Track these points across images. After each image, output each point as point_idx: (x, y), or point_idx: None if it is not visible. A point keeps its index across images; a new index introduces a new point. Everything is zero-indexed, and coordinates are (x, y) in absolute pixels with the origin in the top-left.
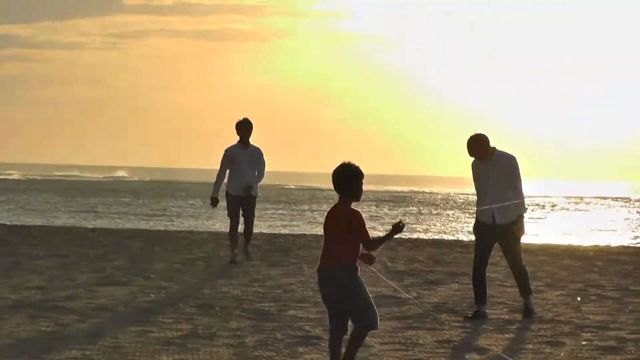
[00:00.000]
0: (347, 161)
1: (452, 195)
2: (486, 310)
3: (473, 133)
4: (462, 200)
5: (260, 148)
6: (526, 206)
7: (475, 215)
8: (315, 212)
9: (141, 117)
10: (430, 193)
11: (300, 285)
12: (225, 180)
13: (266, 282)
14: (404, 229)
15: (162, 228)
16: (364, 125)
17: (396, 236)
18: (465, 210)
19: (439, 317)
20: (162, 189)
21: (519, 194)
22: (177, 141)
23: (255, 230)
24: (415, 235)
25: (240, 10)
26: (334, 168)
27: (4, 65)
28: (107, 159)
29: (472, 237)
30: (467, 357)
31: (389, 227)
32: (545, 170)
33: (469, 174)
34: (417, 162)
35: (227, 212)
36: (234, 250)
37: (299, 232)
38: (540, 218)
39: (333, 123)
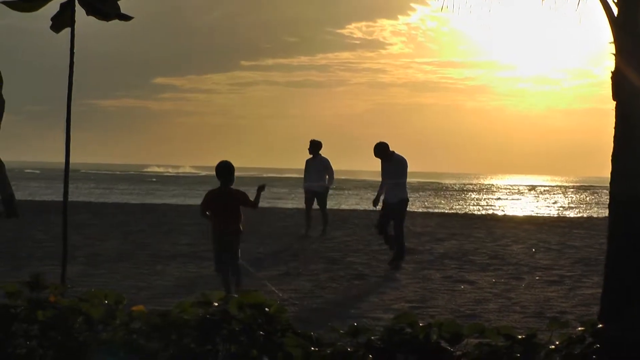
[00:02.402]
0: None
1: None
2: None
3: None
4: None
5: (327, 158)
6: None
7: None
8: (357, 196)
9: (252, 137)
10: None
11: (355, 241)
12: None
13: (334, 240)
14: (265, 189)
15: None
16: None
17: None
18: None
19: (444, 261)
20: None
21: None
22: (279, 151)
23: (331, 208)
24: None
25: (315, 68)
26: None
27: (164, 103)
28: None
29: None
30: (461, 287)
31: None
32: None
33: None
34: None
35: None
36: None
37: (352, 208)
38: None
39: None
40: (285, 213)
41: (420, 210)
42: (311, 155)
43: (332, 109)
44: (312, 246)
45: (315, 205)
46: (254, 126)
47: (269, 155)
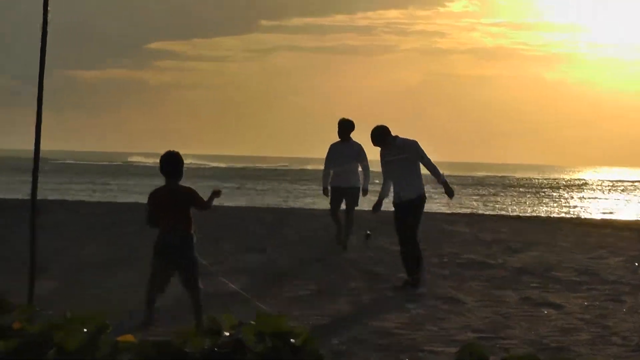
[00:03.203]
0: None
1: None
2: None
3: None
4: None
5: (361, 144)
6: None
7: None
8: None
9: (273, 118)
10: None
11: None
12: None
13: (379, 249)
14: (220, 195)
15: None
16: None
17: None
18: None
19: (521, 278)
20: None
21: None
22: (306, 136)
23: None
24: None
25: (354, 30)
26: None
27: (164, 74)
28: (247, 149)
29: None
30: (544, 312)
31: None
32: None
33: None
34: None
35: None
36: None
37: None
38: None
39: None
40: (315, 214)
41: (489, 212)
42: (339, 140)
43: (374, 83)
44: (350, 256)
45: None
46: (276, 104)
47: (294, 141)
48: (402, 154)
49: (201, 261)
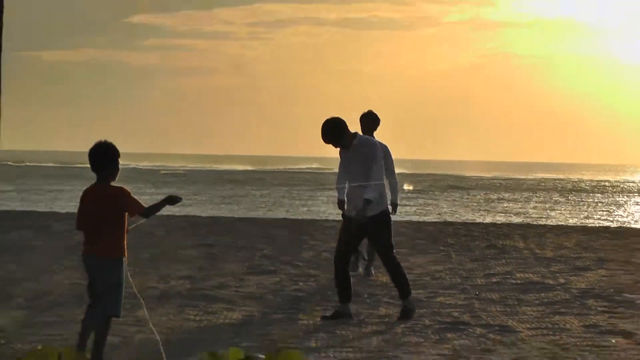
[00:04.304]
0: (103, 140)
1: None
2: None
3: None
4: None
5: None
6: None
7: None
8: (464, 199)
9: (285, 109)
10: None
11: (449, 272)
12: None
13: (414, 270)
14: (178, 203)
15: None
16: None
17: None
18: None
19: (586, 302)
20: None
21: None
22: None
23: (404, 218)
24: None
25: (382, 1)
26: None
27: (146, 55)
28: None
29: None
30: (613, 341)
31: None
32: None
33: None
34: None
35: None
36: None
37: (446, 220)
38: None
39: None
40: (336, 227)
41: (548, 223)
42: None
43: (413, 64)
44: (382, 279)
45: None
46: (289, 92)
47: (312, 137)
48: (363, 156)
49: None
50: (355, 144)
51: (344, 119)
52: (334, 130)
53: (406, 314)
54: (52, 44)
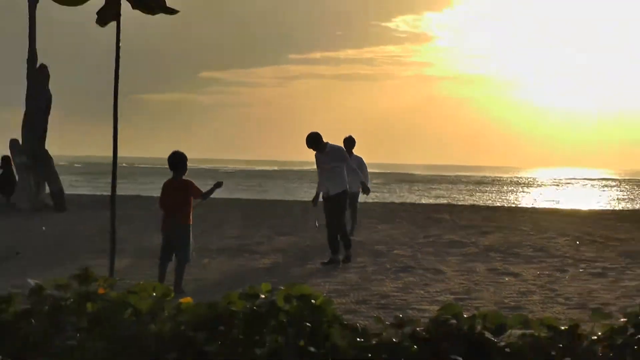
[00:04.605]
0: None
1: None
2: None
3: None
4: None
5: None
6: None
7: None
8: (411, 188)
9: (298, 127)
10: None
11: (401, 234)
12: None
13: (379, 232)
14: (221, 187)
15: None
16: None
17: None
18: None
19: (489, 254)
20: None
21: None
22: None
23: (374, 200)
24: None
25: (362, 62)
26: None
27: (209, 97)
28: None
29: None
30: (505, 279)
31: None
32: None
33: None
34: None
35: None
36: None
37: (397, 201)
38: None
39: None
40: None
41: (464, 204)
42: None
43: (379, 103)
44: (359, 239)
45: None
46: (298, 118)
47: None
48: (331, 158)
49: (192, 244)
50: (327, 150)
51: (320, 133)
52: (314, 140)
53: (348, 258)
54: (151, 89)
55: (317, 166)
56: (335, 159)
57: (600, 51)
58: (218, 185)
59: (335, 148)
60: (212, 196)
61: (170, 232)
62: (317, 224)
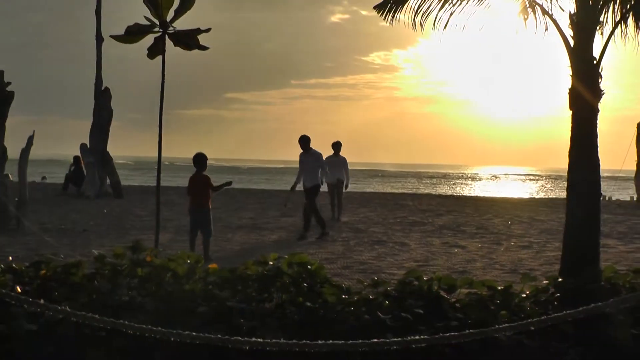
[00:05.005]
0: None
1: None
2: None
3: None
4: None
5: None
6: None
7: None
8: (383, 182)
9: (295, 134)
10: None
11: (376, 216)
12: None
13: (360, 215)
14: (230, 186)
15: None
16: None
17: (228, 187)
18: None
19: (442, 231)
20: None
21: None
22: (319, 147)
23: (355, 190)
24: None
25: (347, 86)
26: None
27: (233, 112)
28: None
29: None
30: (455, 250)
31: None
32: None
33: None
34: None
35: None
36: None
37: (373, 191)
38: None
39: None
40: (322, 195)
41: (423, 192)
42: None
43: (359, 117)
44: (344, 219)
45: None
46: (297, 128)
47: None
48: (312, 159)
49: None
50: (311, 152)
51: (310, 136)
52: (305, 141)
53: (324, 235)
54: (188, 106)
55: (300, 163)
56: (316, 160)
57: (528, 68)
58: (227, 184)
59: (317, 153)
60: (232, 187)
61: (195, 214)
62: (285, 204)
